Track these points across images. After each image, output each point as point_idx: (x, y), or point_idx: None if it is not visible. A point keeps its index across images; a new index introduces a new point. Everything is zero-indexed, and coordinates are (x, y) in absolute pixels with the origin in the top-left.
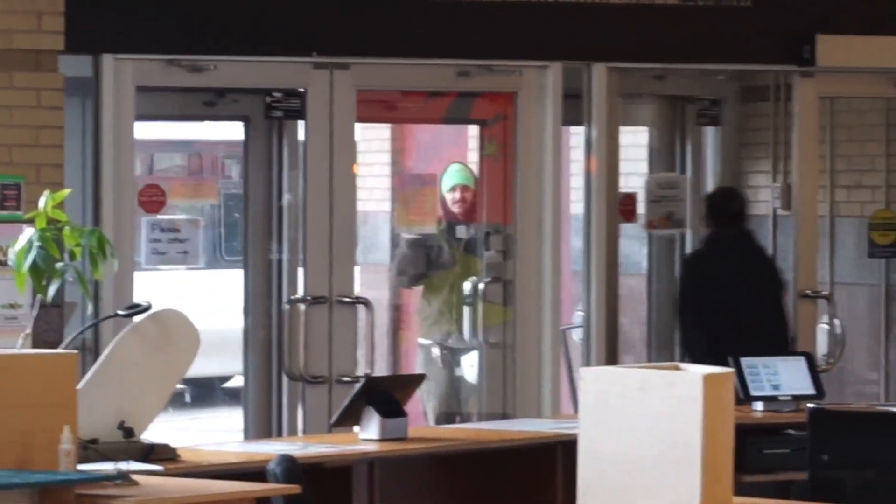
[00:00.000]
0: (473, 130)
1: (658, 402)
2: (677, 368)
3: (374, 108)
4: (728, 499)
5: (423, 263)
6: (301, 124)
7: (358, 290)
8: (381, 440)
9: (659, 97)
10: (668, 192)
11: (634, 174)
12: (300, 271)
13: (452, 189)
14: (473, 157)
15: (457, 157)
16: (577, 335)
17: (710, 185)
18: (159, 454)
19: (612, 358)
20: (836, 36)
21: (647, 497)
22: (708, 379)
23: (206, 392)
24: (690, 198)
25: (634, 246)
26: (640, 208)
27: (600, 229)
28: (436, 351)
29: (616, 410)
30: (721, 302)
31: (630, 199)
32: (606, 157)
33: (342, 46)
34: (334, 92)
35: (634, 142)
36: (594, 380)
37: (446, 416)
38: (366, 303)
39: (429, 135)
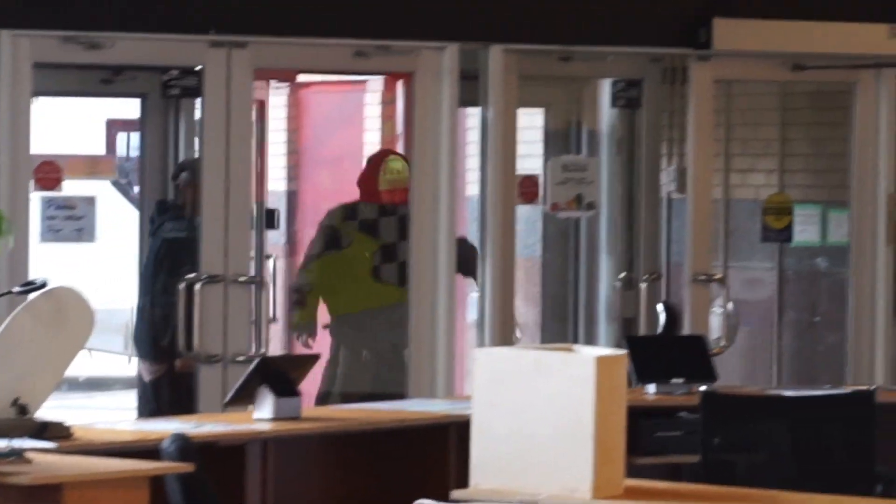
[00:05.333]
0: (372, 110)
1: (552, 382)
2: (571, 350)
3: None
4: (620, 480)
5: (321, 244)
6: (198, 102)
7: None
8: (275, 419)
9: (556, 79)
10: (574, 174)
11: (530, 156)
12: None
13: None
14: (373, 137)
15: (353, 136)
16: (469, 316)
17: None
18: (53, 432)
19: (507, 339)
20: (733, 19)
21: (540, 477)
22: (601, 361)
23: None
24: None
25: (529, 228)
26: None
27: (496, 211)
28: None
29: (510, 390)
30: None
31: (531, 181)
32: (503, 139)
33: (240, 25)
34: (231, 70)
35: (531, 123)
36: (489, 360)
37: (342, 397)
38: (260, 282)
39: (325, 113)
